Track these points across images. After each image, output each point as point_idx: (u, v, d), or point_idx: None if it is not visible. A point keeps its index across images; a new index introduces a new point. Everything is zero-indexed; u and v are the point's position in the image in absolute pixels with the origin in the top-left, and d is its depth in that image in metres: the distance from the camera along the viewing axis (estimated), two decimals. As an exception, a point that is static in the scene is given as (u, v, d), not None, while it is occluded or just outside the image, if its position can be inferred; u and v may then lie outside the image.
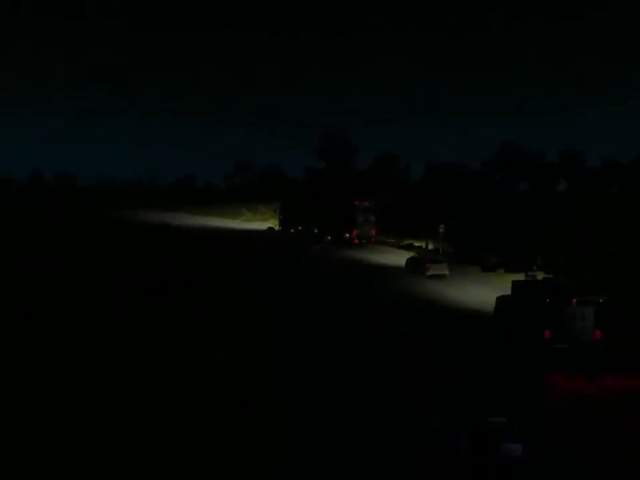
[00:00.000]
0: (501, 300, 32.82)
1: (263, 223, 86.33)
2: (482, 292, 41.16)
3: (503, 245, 51.59)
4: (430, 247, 58.31)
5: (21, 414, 19.20)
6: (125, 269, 45.17)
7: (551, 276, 41.36)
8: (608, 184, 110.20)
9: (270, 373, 24.06)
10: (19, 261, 45.36)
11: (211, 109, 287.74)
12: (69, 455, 16.50)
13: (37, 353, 25.31)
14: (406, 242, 63.92)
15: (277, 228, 75.04)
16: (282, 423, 19.30)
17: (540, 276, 41.20)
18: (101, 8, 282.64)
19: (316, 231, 65.99)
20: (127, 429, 18.33)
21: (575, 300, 28.48)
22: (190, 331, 29.61)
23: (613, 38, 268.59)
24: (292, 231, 69.87)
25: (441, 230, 54.95)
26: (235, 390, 22.03)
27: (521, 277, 40.83)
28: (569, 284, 35.08)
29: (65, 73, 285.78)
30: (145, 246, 57.58)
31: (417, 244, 62.75)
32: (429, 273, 46.73)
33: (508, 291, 33.06)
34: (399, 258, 54.85)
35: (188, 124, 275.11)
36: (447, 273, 46.97)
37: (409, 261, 50.51)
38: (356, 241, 61.11)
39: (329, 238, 63.81)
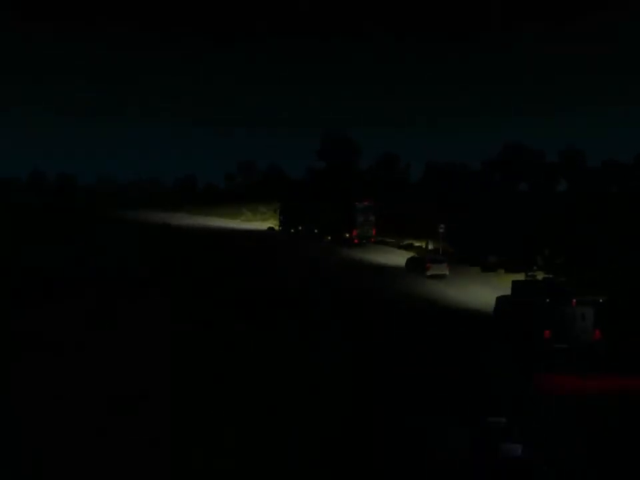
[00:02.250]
0: (501, 300, 32.81)
1: (263, 223, 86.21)
2: (482, 292, 41.16)
3: (503, 244, 51.56)
4: (430, 247, 58.28)
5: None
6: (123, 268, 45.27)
7: (551, 276, 41.35)
8: (608, 184, 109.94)
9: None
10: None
11: (211, 109, 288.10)
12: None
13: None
14: (406, 242, 63.91)
15: (277, 228, 74.98)
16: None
17: (540, 276, 41.18)
18: (102, 8, 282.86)
19: (316, 231, 66.00)
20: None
21: (574, 300, 28.50)
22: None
23: (612, 38, 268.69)
24: (292, 230, 69.86)
25: (440, 230, 54.91)
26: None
27: (521, 277, 40.80)
28: (569, 284, 35.06)
29: (65, 73, 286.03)
30: (145, 245, 57.60)
31: (417, 244, 62.73)
32: (429, 273, 46.74)
33: (508, 291, 33.07)
34: (398, 258, 54.83)
35: (188, 124, 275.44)
36: (447, 272, 47.00)
37: (409, 260, 50.49)
38: (356, 241, 61.09)
39: (329, 238, 63.83)
